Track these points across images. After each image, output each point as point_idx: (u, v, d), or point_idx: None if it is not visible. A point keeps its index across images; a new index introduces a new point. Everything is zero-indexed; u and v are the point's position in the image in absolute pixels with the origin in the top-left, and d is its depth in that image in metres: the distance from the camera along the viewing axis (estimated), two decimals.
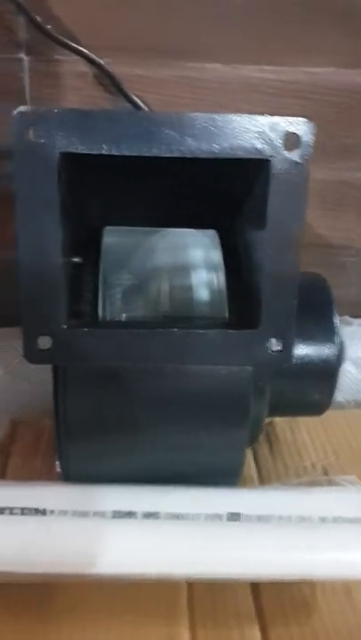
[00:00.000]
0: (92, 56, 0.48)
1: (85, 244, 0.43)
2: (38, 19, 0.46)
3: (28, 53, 0.48)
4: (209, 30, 0.48)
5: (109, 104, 0.50)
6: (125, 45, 0.48)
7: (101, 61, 0.47)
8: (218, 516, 0.40)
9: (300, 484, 0.49)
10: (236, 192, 0.41)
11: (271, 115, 0.33)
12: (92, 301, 0.41)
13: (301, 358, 0.44)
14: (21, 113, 0.31)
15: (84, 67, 0.49)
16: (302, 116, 0.33)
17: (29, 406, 0.58)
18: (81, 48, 0.48)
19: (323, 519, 0.41)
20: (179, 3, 0.47)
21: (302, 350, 0.44)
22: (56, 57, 0.48)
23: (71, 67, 0.49)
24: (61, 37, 0.47)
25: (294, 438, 0.55)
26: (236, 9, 0.48)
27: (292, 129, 0.33)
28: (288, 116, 0.33)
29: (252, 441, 0.46)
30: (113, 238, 0.43)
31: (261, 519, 0.40)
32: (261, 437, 0.55)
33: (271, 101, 0.51)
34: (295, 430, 0.56)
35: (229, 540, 0.39)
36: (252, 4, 0.48)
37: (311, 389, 0.46)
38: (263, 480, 0.50)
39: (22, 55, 0.48)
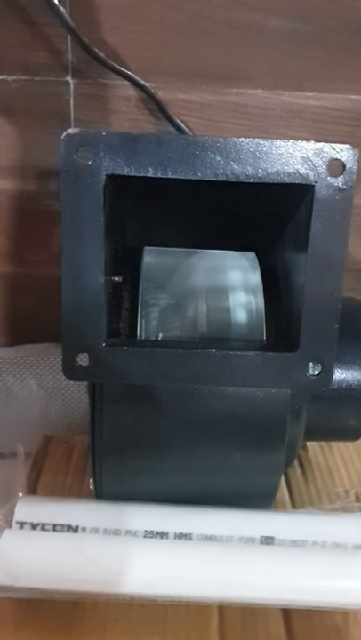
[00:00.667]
0: (138, 79, 0.49)
1: (126, 264, 0.43)
2: (87, 41, 0.47)
3: (74, 76, 0.49)
4: (252, 56, 0.49)
5: (154, 128, 0.51)
6: (170, 70, 0.49)
7: (147, 85, 0.48)
8: (251, 539, 0.40)
9: (333, 510, 0.48)
10: (278, 216, 0.42)
11: (315, 141, 0.33)
12: (130, 320, 0.41)
13: (338, 383, 0.44)
14: (70, 135, 0.32)
15: (129, 90, 0.50)
16: (346, 143, 0.33)
17: (62, 422, 0.59)
18: (127, 72, 0.49)
19: (357, 546, 0.40)
20: (222, 29, 0.48)
21: (340, 375, 0.44)
22: (101, 80, 0.50)
23: (116, 90, 0.50)
24: (109, 60, 0.48)
25: (327, 463, 0.54)
26: (279, 35, 0.48)
27: (336, 155, 0.33)
28: (331, 142, 0.33)
29: (287, 465, 0.45)
30: (152, 258, 0.44)
31: (295, 544, 0.40)
32: (294, 462, 0.54)
33: (314, 127, 0.51)
34: (328, 455, 0.55)
35: (262, 565, 0.38)
36: (296, 31, 0.48)
37: (347, 415, 0.45)
38: (295, 504, 0.49)
39: (69, 78, 0.50)
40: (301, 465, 0.54)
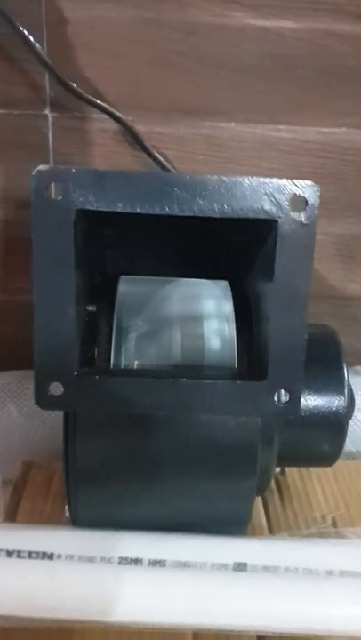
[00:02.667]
0: (116, 113, 0.50)
1: (102, 292, 0.44)
2: (64, 77, 0.48)
3: (52, 110, 0.51)
4: (225, 91, 0.51)
5: (132, 160, 0.52)
6: (146, 105, 0.51)
7: (123, 117, 0.50)
8: (224, 566, 0.40)
9: (309, 535, 0.48)
10: (248, 246, 0.43)
11: (287, 173, 0.34)
12: (105, 348, 0.42)
13: (310, 410, 0.44)
14: (40, 171, 0.33)
15: (106, 124, 0.51)
16: (316, 174, 0.34)
17: (42, 448, 0.59)
18: (105, 105, 0.50)
19: (329, 572, 0.41)
20: (196, 65, 0.50)
21: (311, 402, 0.45)
22: (79, 114, 0.51)
23: (94, 123, 0.51)
24: (86, 94, 0.49)
25: (305, 488, 0.55)
26: (251, 71, 0.50)
27: (298, 192, 0.34)
28: (304, 173, 0.35)
29: (261, 491, 0.46)
30: (128, 287, 0.45)
31: (268, 570, 0.40)
32: (272, 486, 0.55)
33: (287, 159, 0.52)
34: (306, 479, 0.56)
35: (235, 591, 0.39)
36: (267, 68, 0.50)
37: (321, 441, 0.46)
38: (273, 529, 0.50)
39: (47, 111, 0.51)
40: (279, 490, 0.55)
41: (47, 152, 0.52)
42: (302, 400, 0.43)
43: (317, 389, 0.45)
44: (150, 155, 0.52)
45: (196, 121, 0.52)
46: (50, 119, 0.51)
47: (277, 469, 0.56)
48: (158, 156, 0.52)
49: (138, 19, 0.48)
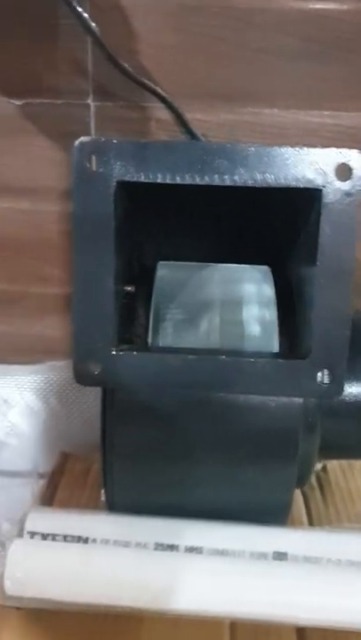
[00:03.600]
0: (164, 94, 0.50)
1: (141, 278, 0.44)
2: (120, 61, 0.48)
3: (94, 99, 0.51)
4: (267, 76, 0.50)
5: None
6: (186, 92, 0.50)
7: (167, 97, 0.49)
8: (263, 555, 0.39)
9: (351, 529, 0.47)
10: (290, 229, 0.42)
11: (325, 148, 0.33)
12: (142, 332, 0.42)
13: (354, 397, 0.43)
14: (82, 143, 0.33)
15: (147, 112, 0.51)
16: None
17: (81, 439, 0.59)
18: (154, 86, 0.50)
19: None
20: (237, 50, 0.49)
21: (356, 389, 0.43)
22: (121, 103, 0.51)
23: (135, 112, 0.51)
24: (136, 75, 0.49)
25: (347, 484, 0.53)
26: (293, 56, 0.49)
27: (343, 160, 0.33)
28: None
29: (302, 482, 0.44)
30: (166, 272, 0.44)
31: (309, 560, 0.39)
32: (314, 482, 0.53)
33: (330, 145, 0.51)
34: (349, 476, 0.54)
35: (274, 581, 0.37)
36: (310, 51, 0.49)
37: None
38: (313, 525, 0.48)
39: (89, 101, 0.51)
40: (321, 487, 0.53)
41: None
42: (346, 387, 0.42)
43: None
44: (194, 137, 0.51)
45: (237, 107, 0.51)
46: (92, 108, 0.52)
47: (319, 465, 0.55)
48: (202, 139, 0.51)
49: (179, 6, 0.48)
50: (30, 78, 0.51)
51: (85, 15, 0.46)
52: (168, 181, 0.33)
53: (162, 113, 0.51)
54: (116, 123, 0.52)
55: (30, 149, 0.53)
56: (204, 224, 0.46)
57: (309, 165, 0.33)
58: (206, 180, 0.33)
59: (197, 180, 0.33)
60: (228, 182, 0.33)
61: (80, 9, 0.46)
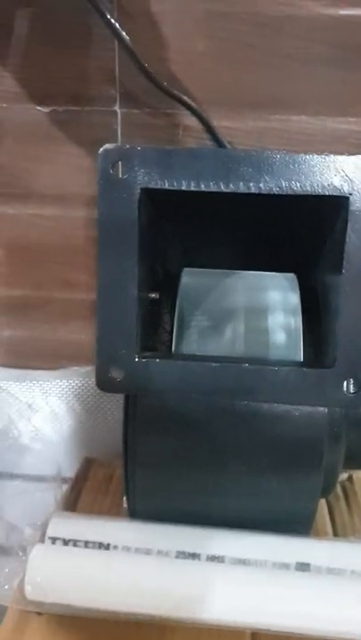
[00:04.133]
0: (191, 103, 0.50)
1: (165, 285, 0.44)
2: (149, 69, 0.48)
3: (121, 106, 0.51)
4: (295, 83, 0.50)
5: None
6: (213, 98, 0.50)
7: (195, 106, 0.49)
8: (286, 565, 0.38)
9: None
10: (316, 236, 0.41)
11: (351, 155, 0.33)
12: (166, 339, 0.42)
13: None
14: (107, 150, 0.33)
15: (174, 119, 0.51)
16: None
17: (104, 445, 0.59)
18: (184, 97, 0.50)
19: None
20: (265, 57, 0.49)
21: None
22: (147, 110, 0.51)
23: (162, 119, 0.51)
24: (164, 84, 0.49)
25: None
26: (321, 63, 0.49)
27: None
28: None
29: (327, 492, 0.44)
30: (191, 278, 0.44)
31: (332, 572, 0.38)
32: (339, 492, 0.53)
33: (358, 152, 0.51)
34: None
35: (296, 591, 0.37)
36: (338, 58, 0.49)
37: None
38: (338, 535, 0.47)
39: (116, 108, 0.52)
40: (346, 497, 0.52)
41: None
42: None
43: None
44: (222, 146, 0.51)
45: (265, 114, 0.51)
46: (119, 115, 0.52)
47: (345, 475, 0.54)
48: (229, 147, 0.51)
49: (208, 12, 0.48)
50: (57, 85, 0.51)
51: (114, 21, 0.46)
52: (193, 189, 0.33)
53: (189, 120, 0.51)
54: (144, 129, 0.52)
55: (57, 156, 0.54)
56: (229, 230, 0.46)
57: (336, 173, 0.33)
58: (231, 188, 0.33)
59: (222, 188, 0.33)
60: (253, 190, 0.33)
61: (108, 15, 0.46)
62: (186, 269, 0.45)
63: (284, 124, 0.51)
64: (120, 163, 0.33)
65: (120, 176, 0.34)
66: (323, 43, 0.48)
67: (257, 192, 0.33)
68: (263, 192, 0.33)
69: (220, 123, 0.51)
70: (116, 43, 0.49)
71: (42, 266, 0.59)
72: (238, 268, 0.45)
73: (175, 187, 0.33)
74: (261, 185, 0.33)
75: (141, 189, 0.34)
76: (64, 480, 0.57)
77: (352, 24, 0.48)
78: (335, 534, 0.47)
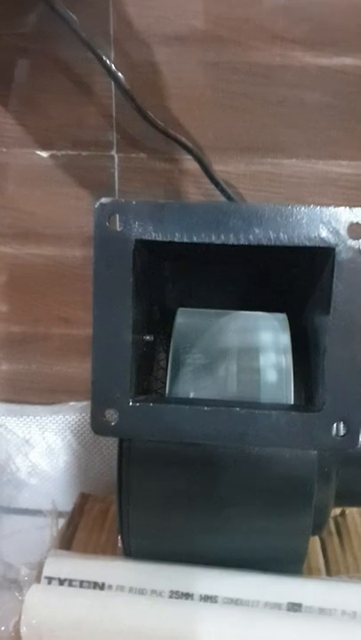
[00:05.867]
0: (188, 143, 0.51)
1: (160, 324, 0.45)
2: (148, 112, 0.50)
3: (118, 151, 0.53)
4: (286, 129, 0.52)
5: (193, 197, 0.53)
6: (207, 143, 0.52)
7: (192, 147, 0.51)
8: (278, 605, 0.39)
9: None
10: (306, 278, 0.43)
11: (337, 206, 0.34)
12: (161, 378, 0.43)
13: None
14: (102, 204, 0.35)
15: (169, 164, 0.53)
16: None
17: (100, 480, 0.60)
18: (184, 140, 0.51)
19: None
20: (257, 104, 0.51)
21: None
22: (143, 155, 0.53)
23: (157, 163, 0.53)
24: (161, 124, 0.51)
25: None
26: (312, 109, 0.51)
27: (356, 219, 0.34)
28: None
29: (318, 530, 0.44)
30: (185, 318, 0.45)
31: (323, 612, 0.38)
32: (332, 528, 0.53)
33: (349, 194, 0.53)
34: None
35: (288, 632, 0.37)
36: (328, 105, 0.51)
37: None
38: (331, 572, 0.48)
39: (113, 152, 0.53)
40: (339, 532, 0.53)
41: (114, 191, 0.54)
42: None
43: None
44: (223, 191, 0.53)
45: (257, 158, 0.53)
46: (116, 160, 0.53)
47: (337, 511, 0.55)
48: (227, 189, 0.53)
49: (201, 62, 0.50)
50: (56, 131, 0.53)
51: (113, 68, 0.48)
52: (185, 240, 0.35)
53: (185, 164, 0.53)
54: (140, 173, 0.54)
55: (56, 198, 0.55)
56: (224, 271, 0.47)
57: (322, 224, 0.34)
58: (222, 239, 0.34)
59: (213, 239, 0.35)
60: (243, 241, 0.35)
61: (107, 60, 0.48)
62: (180, 309, 0.46)
63: (276, 167, 0.53)
64: (115, 216, 0.35)
65: (115, 229, 0.35)
66: (313, 90, 0.50)
67: (247, 243, 0.35)
68: (252, 243, 0.35)
69: (216, 167, 0.53)
70: (114, 89, 0.51)
71: (40, 303, 0.60)
72: (232, 307, 0.46)
73: (168, 239, 0.35)
74: (251, 237, 0.34)
75: (136, 240, 0.35)
76: (60, 514, 0.58)
77: (340, 72, 0.50)
78: (328, 571, 0.48)
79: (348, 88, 0.50)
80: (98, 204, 0.35)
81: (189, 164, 0.53)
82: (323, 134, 0.52)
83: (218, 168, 0.53)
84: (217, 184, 0.53)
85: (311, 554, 0.49)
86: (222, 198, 0.52)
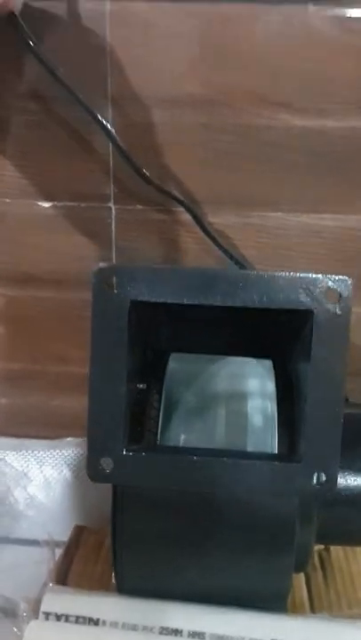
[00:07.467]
0: (184, 200, 0.55)
1: (154, 367, 0.48)
2: (142, 168, 0.54)
3: (115, 203, 0.56)
4: (272, 184, 0.55)
5: (188, 247, 0.57)
6: (198, 198, 0.56)
7: (192, 206, 0.55)
8: None
9: (351, 616, 0.49)
10: (291, 328, 0.45)
11: (315, 272, 0.37)
12: (154, 423, 0.45)
13: (351, 489, 0.46)
14: (101, 268, 0.38)
15: (164, 215, 0.56)
16: None
17: (95, 513, 0.62)
18: (176, 194, 0.55)
19: None
20: (245, 162, 0.54)
21: (352, 481, 0.46)
22: (139, 207, 0.56)
23: (153, 215, 0.56)
24: (155, 181, 0.54)
25: (350, 568, 0.55)
26: (296, 167, 0.54)
27: (332, 285, 0.37)
28: (348, 257, 0.37)
29: (301, 567, 0.47)
30: (177, 364, 0.48)
31: None
32: (316, 563, 0.55)
33: (331, 245, 0.56)
34: (351, 559, 0.56)
35: None
36: (312, 163, 0.54)
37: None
38: (315, 608, 0.50)
39: (110, 204, 0.56)
40: (323, 568, 0.55)
41: (110, 241, 0.57)
42: (344, 479, 0.45)
43: (359, 469, 0.46)
44: (214, 240, 0.56)
45: (245, 211, 0.56)
46: (113, 211, 0.57)
47: (322, 547, 0.57)
48: (218, 238, 0.56)
49: (193, 123, 0.53)
50: (56, 184, 0.56)
51: (109, 127, 0.51)
52: (176, 302, 0.38)
53: (179, 215, 0.56)
54: (136, 224, 0.57)
55: (55, 245, 0.58)
56: (215, 318, 0.50)
57: (301, 290, 0.37)
58: (210, 302, 0.37)
59: (203, 301, 0.37)
60: (229, 303, 0.37)
61: (105, 121, 0.51)
62: (173, 355, 0.49)
63: (262, 219, 0.56)
64: (112, 279, 0.38)
65: (113, 291, 0.38)
66: (297, 149, 0.54)
67: (232, 305, 0.38)
68: (237, 305, 0.38)
69: (206, 219, 0.56)
70: (111, 147, 0.54)
71: (39, 342, 0.63)
72: (223, 348, 0.49)
73: (160, 300, 0.38)
74: (237, 300, 0.37)
75: (131, 301, 0.38)
76: (56, 544, 0.60)
77: (322, 133, 0.53)
78: (312, 607, 0.50)
79: (328, 147, 0.54)
80: (96, 268, 0.37)
81: (183, 215, 0.56)
82: (306, 189, 0.55)
83: (208, 220, 0.56)
84: (208, 233, 0.56)
85: (296, 589, 0.52)
86: (214, 247, 0.56)
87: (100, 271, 0.38)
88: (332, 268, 0.42)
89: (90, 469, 0.39)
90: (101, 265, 0.38)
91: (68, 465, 0.64)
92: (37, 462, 0.64)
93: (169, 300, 0.38)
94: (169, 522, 0.42)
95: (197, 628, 0.42)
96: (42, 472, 0.64)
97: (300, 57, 0.51)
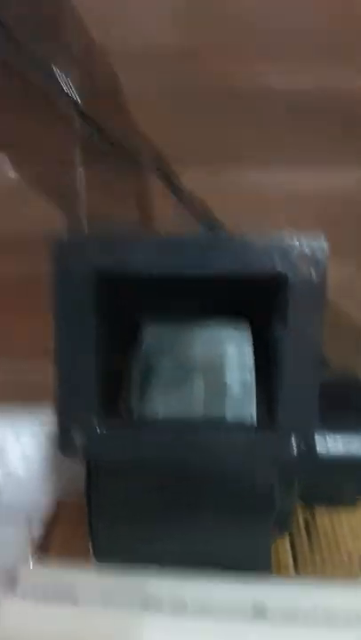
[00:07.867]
0: (158, 163, 0.53)
1: (128, 339, 0.46)
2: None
3: (84, 167, 0.54)
4: (248, 140, 0.53)
5: (161, 211, 0.55)
6: (166, 156, 0.54)
7: (166, 170, 0.53)
8: (244, 609, 0.41)
9: (335, 578, 0.48)
10: (267, 292, 0.44)
11: (290, 236, 0.35)
12: (129, 396, 0.44)
13: (333, 452, 0.45)
14: (60, 240, 0.36)
15: (134, 178, 0.54)
16: None
17: (75, 487, 0.61)
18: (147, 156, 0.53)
19: (353, 617, 0.41)
20: (220, 116, 0.52)
21: (333, 443, 0.45)
22: (107, 170, 0.54)
23: (124, 178, 0.54)
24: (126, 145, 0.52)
25: (333, 529, 0.55)
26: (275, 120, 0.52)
27: (308, 251, 0.35)
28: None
29: (284, 530, 0.46)
30: (153, 336, 0.46)
31: (288, 615, 0.40)
32: (301, 525, 0.55)
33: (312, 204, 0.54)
34: (335, 521, 0.56)
35: (255, 635, 0.39)
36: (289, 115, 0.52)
37: (343, 482, 0.47)
38: (299, 570, 0.50)
39: (81, 169, 0.54)
40: (308, 532, 0.55)
41: (80, 206, 0.55)
42: (324, 442, 0.45)
43: (340, 432, 0.45)
44: (185, 202, 0.54)
45: (218, 169, 0.54)
46: (82, 175, 0.54)
47: (307, 512, 0.56)
48: (189, 199, 0.54)
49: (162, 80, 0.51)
50: (22, 150, 0.54)
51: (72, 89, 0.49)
52: (142, 271, 0.36)
53: (150, 178, 0.54)
54: (105, 187, 0.55)
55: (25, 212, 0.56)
56: (188, 284, 0.48)
57: (276, 256, 0.35)
58: (178, 271, 0.36)
59: (170, 271, 0.36)
60: (199, 271, 0.36)
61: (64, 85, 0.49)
62: (148, 327, 0.47)
63: (238, 177, 0.54)
64: (73, 251, 0.36)
65: (73, 263, 0.36)
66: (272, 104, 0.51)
67: (203, 273, 0.36)
68: (209, 273, 0.36)
69: (177, 179, 0.54)
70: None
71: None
72: (200, 317, 0.48)
73: (125, 270, 0.36)
74: (207, 267, 0.36)
75: (95, 272, 0.36)
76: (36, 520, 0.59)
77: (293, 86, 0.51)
78: (297, 571, 0.50)
79: (312, 99, 0.52)
80: (55, 240, 0.35)
81: (155, 178, 0.54)
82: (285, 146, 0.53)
83: (182, 180, 0.54)
84: (178, 195, 0.54)
85: (281, 553, 0.51)
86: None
87: (60, 243, 0.36)
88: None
89: (60, 443, 0.38)
90: (60, 237, 0.36)
91: (49, 438, 0.62)
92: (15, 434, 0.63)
93: (133, 270, 0.36)
94: (145, 490, 0.41)
95: (179, 597, 0.41)
96: (21, 445, 0.63)
97: None
